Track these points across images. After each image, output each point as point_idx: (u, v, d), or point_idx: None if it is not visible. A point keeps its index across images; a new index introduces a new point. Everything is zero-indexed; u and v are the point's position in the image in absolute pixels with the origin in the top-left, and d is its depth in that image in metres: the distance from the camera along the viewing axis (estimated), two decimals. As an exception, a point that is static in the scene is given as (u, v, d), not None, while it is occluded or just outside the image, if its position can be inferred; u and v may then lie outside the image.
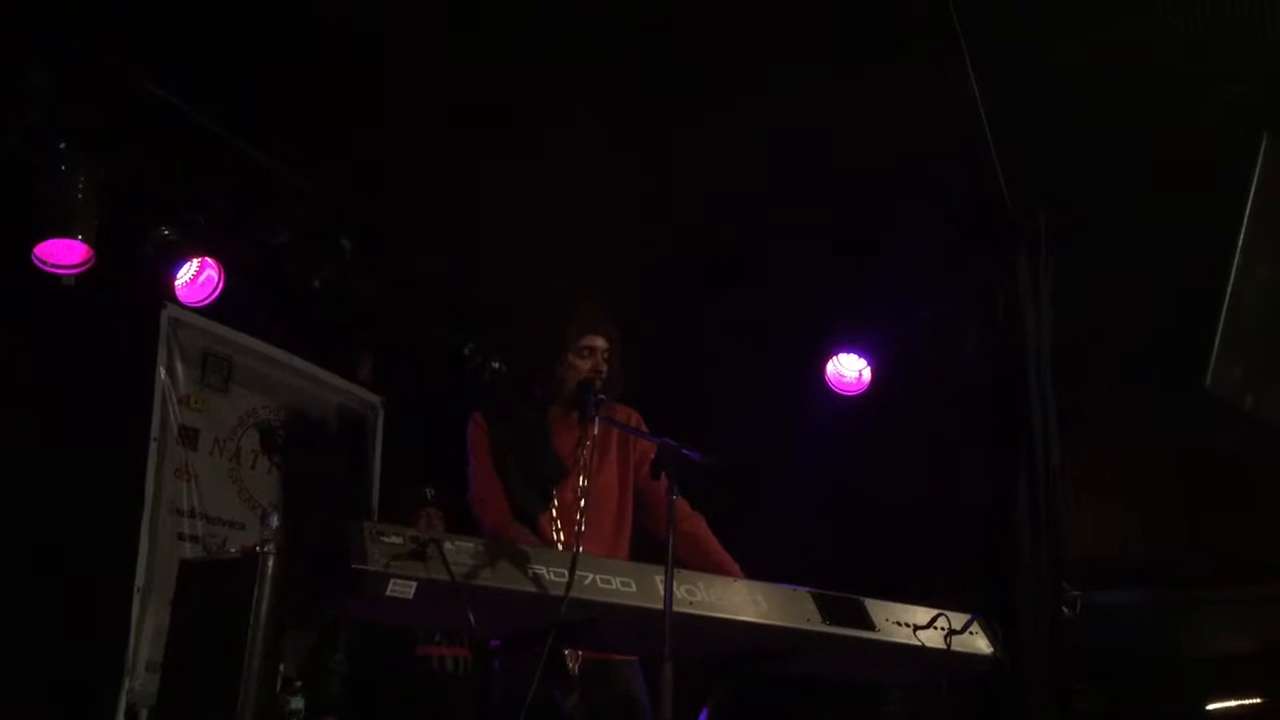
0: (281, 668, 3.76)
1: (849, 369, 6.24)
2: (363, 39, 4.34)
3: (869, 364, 6.20)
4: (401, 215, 5.41)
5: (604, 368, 3.56)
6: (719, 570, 3.46)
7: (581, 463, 3.56)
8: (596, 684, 3.38)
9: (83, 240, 4.47)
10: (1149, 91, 4.42)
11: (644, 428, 3.63)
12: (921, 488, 5.72)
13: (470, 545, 2.95)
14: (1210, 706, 7.81)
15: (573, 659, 3.36)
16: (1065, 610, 4.17)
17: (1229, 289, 3.24)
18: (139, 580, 4.69)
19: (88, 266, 4.53)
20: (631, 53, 4.40)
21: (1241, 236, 3.30)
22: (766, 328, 5.98)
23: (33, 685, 4.31)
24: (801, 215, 5.26)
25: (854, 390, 6.25)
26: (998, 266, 4.60)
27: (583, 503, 3.50)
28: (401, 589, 2.81)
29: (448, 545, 2.89)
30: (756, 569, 3.51)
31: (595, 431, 3.57)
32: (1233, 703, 7.75)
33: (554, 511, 3.50)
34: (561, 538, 3.46)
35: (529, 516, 3.48)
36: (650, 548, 3.45)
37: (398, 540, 2.83)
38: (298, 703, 4.45)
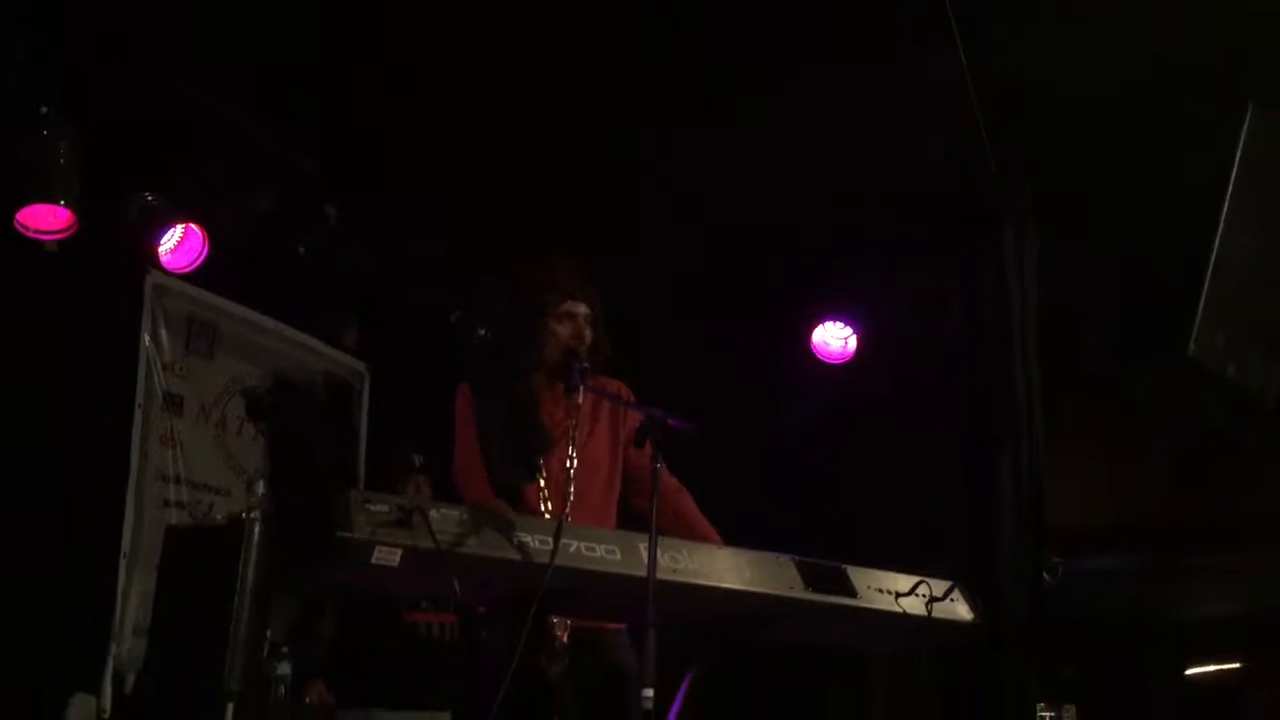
0: (268, 633, 3.77)
1: (834, 338, 6.25)
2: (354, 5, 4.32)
3: (854, 333, 6.22)
4: (387, 181, 5.38)
5: (586, 333, 3.54)
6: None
7: (570, 434, 3.54)
8: (584, 652, 3.39)
9: (65, 205, 4.44)
10: (1136, 66, 4.42)
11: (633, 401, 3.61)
12: (905, 455, 5.74)
13: (455, 513, 2.97)
14: (1189, 671, 7.91)
15: (562, 627, 3.36)
16: (1047, 577, 4.20)
17: (1213, 257, 3.25)
18: (125, 546, 4.69)
19: (70, 232, 4.50)
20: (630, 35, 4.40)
21: (1226, 204, 3.30)
22: (753, 296, 5.97)
23: (19, 651, 4.32)
24: (790, 185, 5.26)
25: (839, 359, 6.26)
26: (984, 237, 4.61)
27: (572, 473, 3.50)
28: (387, 556, 2.83)
29: (433, 513, 2.91)
30: (740, 536, 3.52)
31: (580, 401, 3.58)
32: (1212, 667, 7.86)
33: (542, 481, 3.48)
34: (550, 508, 3.44)
35: (514, 489, 3.44)
36: (635, 525, 3.45)
37: (383, 508, 2.85)
38: (284, 668, 4.45)
